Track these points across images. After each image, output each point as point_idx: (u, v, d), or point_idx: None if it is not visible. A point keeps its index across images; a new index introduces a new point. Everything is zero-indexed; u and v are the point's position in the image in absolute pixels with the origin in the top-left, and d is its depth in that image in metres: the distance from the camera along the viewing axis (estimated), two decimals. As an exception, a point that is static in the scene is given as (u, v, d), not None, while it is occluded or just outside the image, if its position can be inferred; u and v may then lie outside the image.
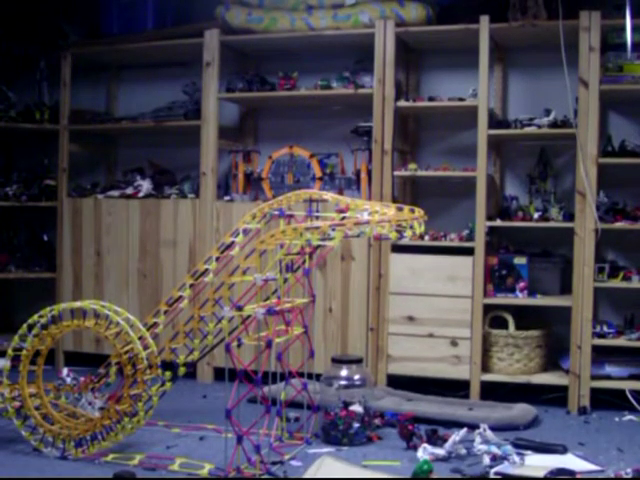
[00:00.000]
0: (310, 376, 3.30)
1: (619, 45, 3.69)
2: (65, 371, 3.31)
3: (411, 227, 2.81)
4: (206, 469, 2.73)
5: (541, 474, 2.63)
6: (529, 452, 2.92)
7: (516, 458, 2.76)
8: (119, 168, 4.87)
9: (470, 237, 3.87)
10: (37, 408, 2.96)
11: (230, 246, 3.23)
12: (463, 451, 2.91)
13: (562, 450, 2.94)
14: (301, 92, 4.20)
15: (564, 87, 3.76)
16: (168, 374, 3.13)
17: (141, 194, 4.43)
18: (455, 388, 3.85)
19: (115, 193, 4.51)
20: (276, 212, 3.29)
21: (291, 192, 3.34)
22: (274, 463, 2.82)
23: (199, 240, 4.24)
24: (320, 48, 4.32)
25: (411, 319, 3.91)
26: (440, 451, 2.89)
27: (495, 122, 3.91)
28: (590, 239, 3.68)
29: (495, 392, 3.79)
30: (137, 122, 4.51)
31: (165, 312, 3.25)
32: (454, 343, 3.84)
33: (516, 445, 2.95)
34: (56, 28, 4.61)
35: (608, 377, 3.70)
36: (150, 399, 2.93)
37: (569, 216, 3.79)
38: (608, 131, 3.98)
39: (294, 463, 2.86)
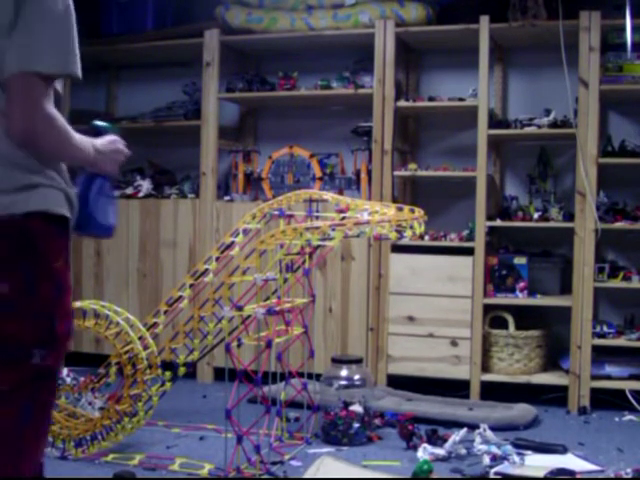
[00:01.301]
0: (310, 376, 3.30)
1: (619, 45, 3.69)
2: (65, 371, 3.30)
3: (411, 227, 2.81)
4: (206, 469, 2.74)
5: (541, 474, 2.63)
6: (529, 452, 2.92)
7: (516, 458, 2.77)
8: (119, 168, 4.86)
9: (470, 237, 3.87)
10: (37, 408, 2.96)
11: (230, 246, 3.23)
12: (463, 451, 2.91)
13: (562, 450, 2.95)
14: (301, 92, 4.20)
15: (564, 87, 3.76)
16: (168, 374, 3.13)
17: (141, 194, 4.43)
18: (455, 388, 3.85)
19: (115, 193, 4.50)
20: (276, 212, 3.29)
21: (291, 192, 3.34)
22: (274, 463, 2.82)
23: (199, 240, 4.24)
24: (320, 48, 4.32)
25: (411, 319, 3.91)
26: (440, 451, 2.89)
27: (495, 122, 3.91)
28: (590, 239, 3.68)
29: (495, 392, 3.79)
30: (137, 122, 4.51)
31: (165, 312, 3.24)
32: (454, 343, 3.84)
33: (516, 445, 2.95)
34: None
35: (608, 377, 3.70)
36: (150, 399, 2.93)
37: (569, 216, 3.79)
38: (608, 131, 3.98)
39: (294, 463, 2.86)
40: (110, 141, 1.75)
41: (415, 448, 2.96)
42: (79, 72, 1.58)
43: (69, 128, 1.58)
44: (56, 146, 1.57)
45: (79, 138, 1.62)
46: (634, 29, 3.62)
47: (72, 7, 1.62)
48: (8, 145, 1.53)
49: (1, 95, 1.52)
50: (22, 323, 1.51)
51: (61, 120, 1.55)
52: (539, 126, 3.83)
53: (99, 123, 1.80)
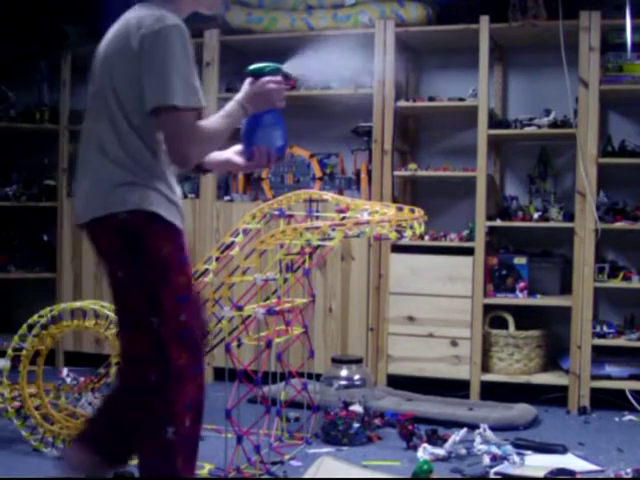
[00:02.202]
0: (310, 376, 3.30)
1: (619, 45, 3.69)
2: (65, 371, 3.30)
3: (411, 227, 2.81)
4: (206, 469, 2.74)
5: (541, 474, 2.63)
6: (529, 452, 2.92)
7: (516, 458, 2.77)
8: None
9: (470, 237, 3.87)
10: (37, 408, 2.96)
11: (230, 246, 3.23)
12: (463, 451, 2.91)
13: (562, 450, 2.95)
14: (301, 92, 4.20)
15: (564, 87, 3.76)
16: (168, 374, 3.12)
17: (141, 194, 4.42)
18: (455, 388, 3.85)
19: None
20: (276, 212, 3.29)
21: (291, 192, 3.34)
22: (274, 463, 2.82)
23: (199, 240, 4.24)
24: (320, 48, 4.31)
25: (411, 319, 3.91)
26: (440, 451, 2.89)
27: (495, 122, 3.91)
28: (590, 239, 3.68)
29: (495, 392, 3.79)
30: (137, 122, 4.50)
31: (165, 312, 3.24)
32: (454, 343, 3.84)
33: (516, 445, 2.95)
34: (56, 28, 4.61)
35: (608, 377, 3.70)
36: (150, 399, 2.92)
37: (569, 216, 3.79)
38: (608, 131, 3.98)
39: (294, 463, 2.86)
40: (258, 85, 2.11)
41: (415, 448, 2.96)
42: (203, 102, 1.95)
43: (213, 126, 1.97)
44: (209, 150, 2.07)
45: (222, 119, 2.01)
46: (634, 29, 3.62)
47: (188, 40, 1.94)
48: (117, 149, 1.94)
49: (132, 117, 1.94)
50: (139, 299, 1.96)
51: (205, 131, 1.94)
52: (539, 126, 3.83)
53: (250, 68, 2.14)
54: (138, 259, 1.93)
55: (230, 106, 2.06)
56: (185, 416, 2.01)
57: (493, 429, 3.02)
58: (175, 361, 1.98)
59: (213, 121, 1.99)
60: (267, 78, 2.12)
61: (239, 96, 2.08)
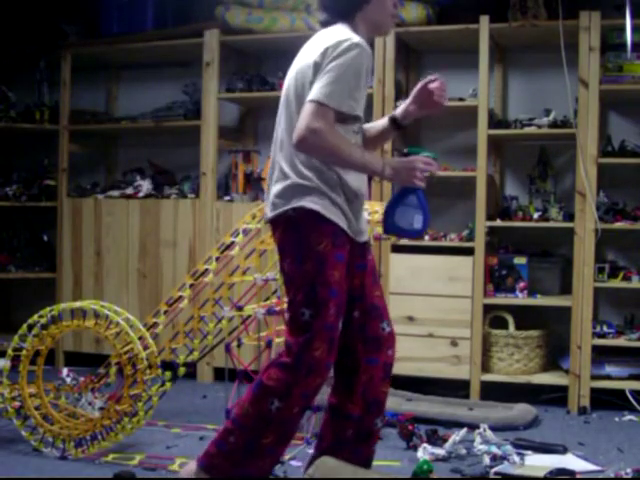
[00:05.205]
0: (310, 376, 3.29)
1: (619, 45, 3.69)
2: (65, 371, 3.30)
3: (411, 227, 2.81)
4: (206, 469, 2.73)
5: (541, 474, 2.63)
6: (529, 452, 2.91)
7: (516, 458, 2.77)
8: (119, 168, 4.87)
9: (470, 237, 3.87)
10: (37, 408, 2.96)
11: (230, 246, 3.23)
12: (463, 451, 2.91)
13: (562, 450, 2.94)
14: (301, 92, 4.19)
15: (564, 87, 3.76)
16: (168, 374, 3.13)
17: (141, 194, 4.43)
18: (455, 388, 3.85)
19: (115, 193, 4.51)
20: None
21: (291, 192, 3.33)
22: (274, 463, 2.81)
23: (199, 240, 4.24)
24: (320, 48, 4.31)
25: (411, 319, 3.91)
26: (440, 451, 2.88)
27: (495, 122, 3.91)
28: (590, 239, 3.68)
29: (495, 392, 3.79)
30: (137, 122, 4.51)
31: (165, 312, 3.24)
32: (454, 343, 3.84)
33: (516, 445, 2.95)
34: (56, 28, 4.61)
35: (608, 377, 3.70)
36: (150, 399, 2.93)
37: (569, 216, 3.79)
38: (608, 131, 3.98)
39: (294, 463, 2.86)
40: (408, 160, 2.22)
41: (415, 448, 2.96)
42: (342, 108, 2.10)
43: (344, 145, 2.11)
44: (323, 153, 2.11)
45: (356, 148, 2.16)
46: (634, 29, 3.62)
47: (355, 64, 2.10)
48: (288, 152, 2.16)
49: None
50: (295, 289, 2.16)
51: (332, 137, 2.08)
52: (539, 126, 3.83)
53: (406, 150, 2.28)
54: (300, 252, 2.13)
55: (375, 155, 2.26)
56: (297, 403, 2.15)
57: (493, 429, 3.02)
58: (313, 351, 2.11)
59: (347, 140, 2.13)
60: (419, 156, 2.23)
61: (390, 159, 2.29)
